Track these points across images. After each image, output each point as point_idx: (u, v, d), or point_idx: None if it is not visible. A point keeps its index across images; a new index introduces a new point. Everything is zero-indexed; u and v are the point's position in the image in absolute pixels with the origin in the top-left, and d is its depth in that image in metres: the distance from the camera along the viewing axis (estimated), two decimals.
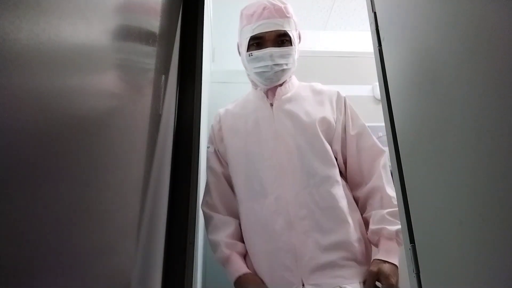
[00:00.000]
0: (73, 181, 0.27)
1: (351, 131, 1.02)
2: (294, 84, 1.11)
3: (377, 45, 0.66)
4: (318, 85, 1.12)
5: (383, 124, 0.63)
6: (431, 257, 0.46)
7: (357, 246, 0.89)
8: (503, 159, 0.31)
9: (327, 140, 0.99)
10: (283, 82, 1.07)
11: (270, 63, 1.00)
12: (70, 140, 0.26)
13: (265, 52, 1.00)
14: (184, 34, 0.80)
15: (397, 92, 0.59)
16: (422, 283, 0.48)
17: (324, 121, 1.01)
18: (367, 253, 0.92)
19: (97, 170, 0.32)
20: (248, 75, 1.11)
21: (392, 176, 0.61)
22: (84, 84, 0.29)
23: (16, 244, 0.19)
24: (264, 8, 1.02)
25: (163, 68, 0.62)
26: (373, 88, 1.74)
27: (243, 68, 1.11)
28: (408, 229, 0.52)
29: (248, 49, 1.04)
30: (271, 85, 1.06)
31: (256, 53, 1.01)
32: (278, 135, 1.00)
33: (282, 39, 1.02)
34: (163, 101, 0.62)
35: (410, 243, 0.51)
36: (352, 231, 0.89)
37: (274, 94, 1.06)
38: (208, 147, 1.10)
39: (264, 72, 1.02)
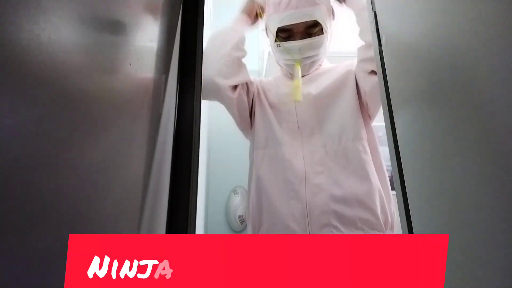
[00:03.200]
0: (72, 181, 0.27)
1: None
2: (325, 67, 1.06)
3: (377, 45, 0.66)
4: (345, 64, 1.07)
5: (383, 123, 0.63)
6: None
7: (379, 212, 0.81)
8: (505, 158, 0.31)
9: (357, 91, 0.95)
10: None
11: (298, 56, 0.95)
12: (69, 140, 0.26)
13: (293, 45, 0.95)
14: (184, 34, 0.80)
15: (397, 92, 0.59)
16: None
17: (350, 75, 0.97)
18: (390, 223, 0.84)
19: (96, 170, 0.32)
20: (277, 61, 1.09)
21: (392, 176, 0.61)
22: (84, 83, 0.29)
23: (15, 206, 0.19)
24: None
25: (163, 68, 0.62)
26: None
27: None
28: (408, 228, 0.52)
29: (276, 38, 0.99)
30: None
31: (284, 44, 0.96)
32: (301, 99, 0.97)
33: (312, 29, 0.96)
34: (163, 101, 0.62)
35: None
36: (374, 191, 0.83)
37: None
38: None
39: (292, 65, 0.98)
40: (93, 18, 0.31)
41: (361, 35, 0.92)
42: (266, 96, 1.03)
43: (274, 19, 0.97)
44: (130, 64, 0.42)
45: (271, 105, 1.00)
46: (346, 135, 0.90)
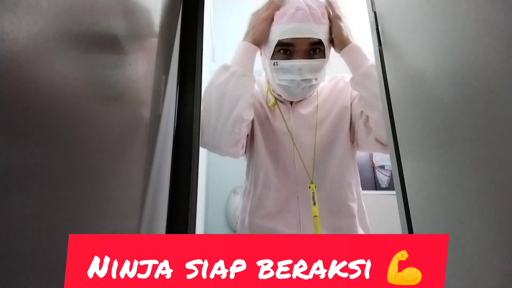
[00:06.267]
0: (72, 181, 0.27)
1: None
2: (321, 91, 1.01)
3: (377, 45, 0.66)
4: (339, 84, 1.01)
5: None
6: None
7: None
8: (505, 158, 0.31)
9: (349, 137, 0.95)
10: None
11: (297, 77, 0.85)
12: (70, 140, 0.26)
13: (293, 65, 0.85)
14: (184, 34, 0.80)
15: (397, 92, 0.59)
16: None
17: (344, 122, 0.95)
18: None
19: (97, 170, 0.32)
20: (268, 81, 0.99)
21: (392, 176, 0.61)
22: (83, 83, 0.29)
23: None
24: (297, 9, 0.84)
25: (163, 68, 0.62)
26: None
27: None
28: (408, 228, 0.52)
29: (273, 55, 0.88)
30: (295, 100, 0.96)
31: (282, 63, 0.86)
32: (294, 133, 0.94)
33: (314, 48, 0.86)
34: (163, 101, 0.62)
35: None
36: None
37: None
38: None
39: (289, 86, 0.88)
40: (93, 17, 0.31)
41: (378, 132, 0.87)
42: (261, 133, 0.97)
43: (274, 32, 0.87)
44: (130, 64, 0.42)
45: (268, 148, 0.96)
46: (338, 183, 0.92)
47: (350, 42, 0.87)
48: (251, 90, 0.87)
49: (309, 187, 0.90)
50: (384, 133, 0.83)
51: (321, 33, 0.85)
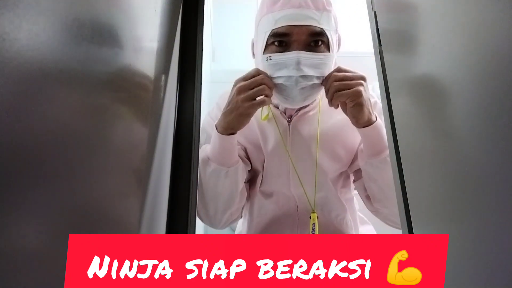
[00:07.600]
0: (71, 181, 0.27)
1: None
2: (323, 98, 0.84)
3: (377, 45, 0.66)
4: None
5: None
6: None
7: None
8: (505, 157, 0.31)
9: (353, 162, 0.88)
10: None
11: (295, 73, 0.68)
12: (70, 140, 0.26)
13: (289, 57, 0.68)
14: (184, 34, 0.80)
15: (397, 92, 0.59)
16: None
17: (351, 147, 0.85)
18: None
19: (96, 170, 0.32)
20: None
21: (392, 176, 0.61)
22: (83, 83, 0.29)
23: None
24: None
25: (163, 68, 0.62)
26: (373, 88, 1.75)
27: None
28: (408, 228, 0.52)
29: (266, 49, 0.73)
30: (294, 106, 0.80)
31: (277, 57, 0.70)
32: (293, 157, 0.82)
33: (316, 40, 0.71)
34: (163, 101, 0.62)
35: None
36: None
37: (294, 109, 0.82)
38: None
39: (285, 86, 0.70)
40: (93, 17, 0.31)
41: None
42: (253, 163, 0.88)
43: (267, 21, 0.71)
44: (130, 64, 0.42)
45: (262, 185, 0.88)
46: (334, 213, 0.87)
47: (374, 120, 0.73)
48: (242, 178, 0.80)
49: (310, 217, 0.82)
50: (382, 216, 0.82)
51: (323, 21, 0.70)
